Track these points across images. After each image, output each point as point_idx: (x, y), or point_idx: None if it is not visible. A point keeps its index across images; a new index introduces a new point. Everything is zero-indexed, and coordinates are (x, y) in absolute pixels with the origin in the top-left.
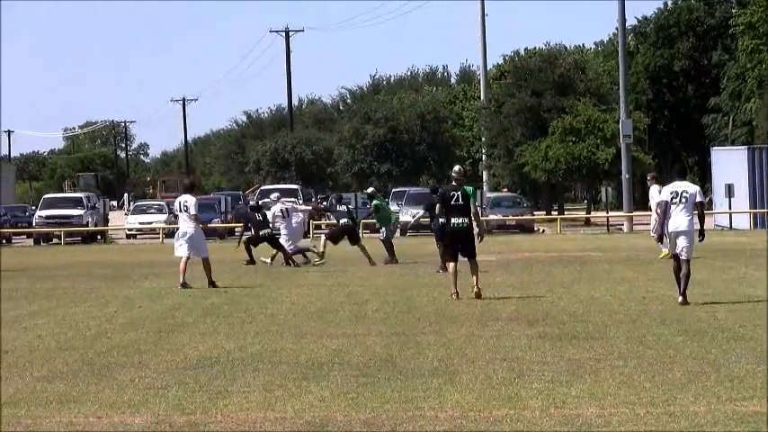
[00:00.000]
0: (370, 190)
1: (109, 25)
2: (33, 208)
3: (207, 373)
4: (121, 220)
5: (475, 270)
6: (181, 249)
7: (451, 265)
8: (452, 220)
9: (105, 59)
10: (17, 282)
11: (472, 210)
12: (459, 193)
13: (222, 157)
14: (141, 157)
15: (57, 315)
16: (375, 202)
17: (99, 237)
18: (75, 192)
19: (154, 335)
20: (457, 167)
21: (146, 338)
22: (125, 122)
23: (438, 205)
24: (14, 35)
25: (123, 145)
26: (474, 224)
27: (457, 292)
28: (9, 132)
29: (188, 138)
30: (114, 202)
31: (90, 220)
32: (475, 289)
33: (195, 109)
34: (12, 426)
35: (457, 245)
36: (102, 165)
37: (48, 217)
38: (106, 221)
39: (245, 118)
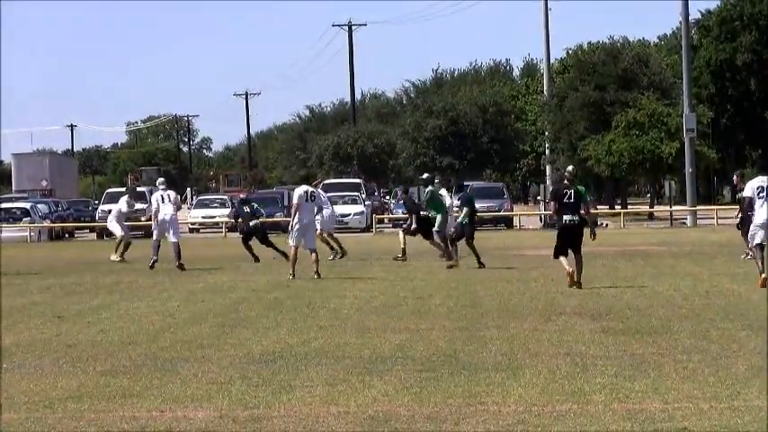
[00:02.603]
0: (425, 176)
1: (172, 19)
2: (96, 202)
3: (270, 368)
4: (184, 215)
5: (580, 264)
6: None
7: (562, 258)
8: (564, 217)
9: (168, 53)
10: (81, 276)
11: (584, 208)
12: (572, 191)
13: (285, 151)
14: (204, 151)
15: (120, 309)
16: (429, 188)
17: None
18: (138, 186)
19: (217, 329)
20: (570, 167)
21: (209, 333)
22: (188, 117)
23: (552, 203)
24: (78, 30)
25: (186, 139)
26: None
27: (573, 280)
28: (72, 127)
29: (251, 132)
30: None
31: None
32: (575, 279)
33: (258, 103)
34: (75, 420)
35: (568, 240)
36: (165, 159)
37: (110, 211)
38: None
39: (307, 112)
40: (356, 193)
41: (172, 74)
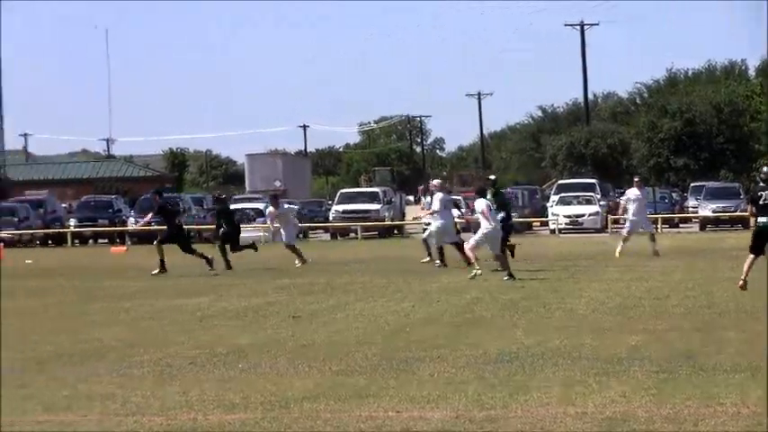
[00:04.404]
0: (492, 177)
1: (403, 21)
2: (330, 203)
3: (506, 368)
4: (414, 215)
5: None
6: None
7: (750, 257)
8: (760, 219)
9: (398, 54)
10: (316, 276)
11: None
12: (766, 193)
13: (518, 151)
14: (437, 151)
15: (355, 309)
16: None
17: (395, 231)
18: (371, 186)
19: (452, 329)
20: (765, 168)
21: (444, 333)
22: (420, 117)
23: (749, 206)
24: (315, 32)
25: (419, 139)
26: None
27: (745, 282)
28: (305, 127)
29: (483, 132)
30: (410, 197)
31: (386, 214)
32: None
33: (490, 103)
34: (311, 419)
35: (761, 241)
36: (398, 159)
37: (344, 211)
38: (403, 216)
39: (539, 112)
40: (590, 194)
41: (405, 75)
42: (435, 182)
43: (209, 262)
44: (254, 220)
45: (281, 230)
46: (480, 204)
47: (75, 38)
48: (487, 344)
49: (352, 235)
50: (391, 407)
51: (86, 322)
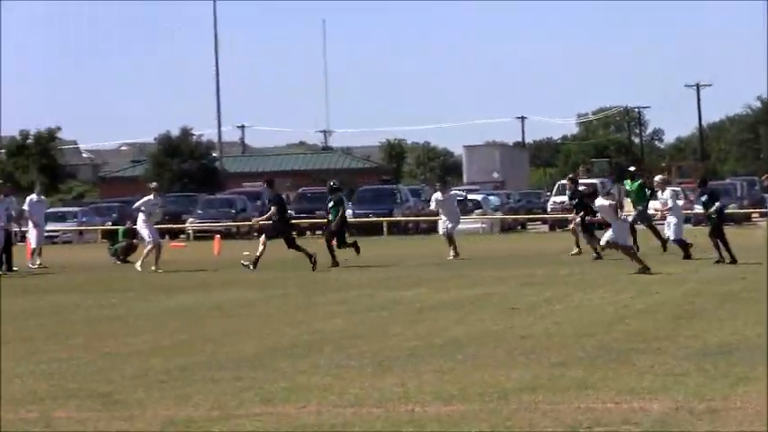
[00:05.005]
0: (631, 168)
1: (627, 11)
2: (548, 194)
3: (727, 360)
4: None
5: None
6: None
7: None
8: None
9: (616, 44)
10: (534, 268)
11: None
12: None
13: (737, 142)
14: (655, 142)
15: (573, 300)
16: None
17: None
18: (589, 178)
19: (671, 321)
20: None
21: (663, 324)
22: (639, 108)
23: None
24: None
25: (637, 131)
26: None
27: None
28: (522, 119)
29: (702, 123)
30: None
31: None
32: None
33: (710, 94)
34: (529, 411)
35: None
36: (616, 151)
37: (563, 203)
38: (621, 207)
39: (758, 104)
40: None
41: (623, 65)
42: (658, 178)
43: (312, 260)
44: (473, 211)
45: (445, 218)
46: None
47: (293, 30)
48: (708, 335)
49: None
50: (610, 398)
51: (307, 314)
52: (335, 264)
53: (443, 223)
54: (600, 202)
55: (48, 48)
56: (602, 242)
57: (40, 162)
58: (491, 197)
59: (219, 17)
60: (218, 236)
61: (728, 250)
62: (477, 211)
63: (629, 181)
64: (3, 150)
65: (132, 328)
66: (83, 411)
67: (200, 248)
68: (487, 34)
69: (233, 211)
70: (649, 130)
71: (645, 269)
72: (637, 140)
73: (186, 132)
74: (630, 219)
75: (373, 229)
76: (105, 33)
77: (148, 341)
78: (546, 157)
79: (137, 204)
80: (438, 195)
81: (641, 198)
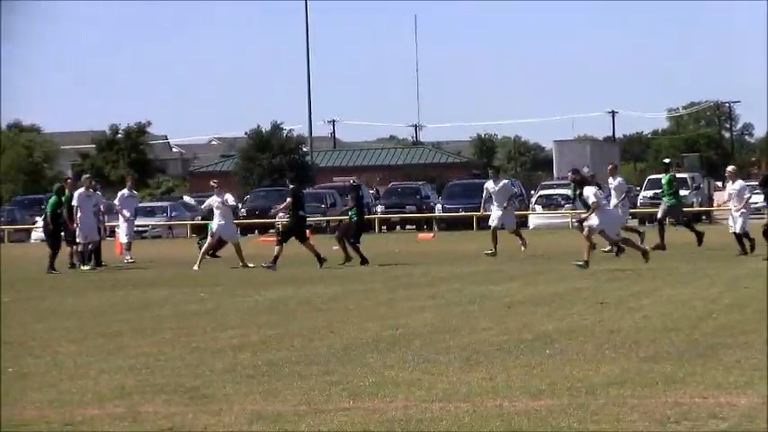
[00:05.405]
0: (667, 160)
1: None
2: (638, 189)
3: None
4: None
5: None
6: None
7: None
8: None
9: (707, 39)
10: (623, 262)
11: None
12: None
13: None
14: (745, 137)
15: (662, 295)
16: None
17: (704, 217)
18: (680, 172)
19: (759, 315)
20: None
21: (751, 319)
22: (729, 103)
23: None
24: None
25: (728, 125)
26: None
27: None
28: (613, 113)
29: None
30: (719, 182)
31: (695, 200)
32: None
33: None
34: (617, 406)
35: None
36: (707, 145)
37: (652, 197)
38: (711, 202)
39: None
40: None
41: (715, 59)
42: (731, 168)
43: (320, 260)
44: (562, 206)
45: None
46: None
47: (384, 24)
48: None
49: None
50: (698, 393)
51: (393, 309)
52: (364, 261)
53: (494, 214)
54: (587, 191)
55: (139, 42)
56: (585, 230)
57: (129, 157)
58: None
59: (311, 11)
60: (308, 231)
61: None
62: (567, 205)
63: (663, 174)
64: (93, 145)
65: (221, 322)
66: (170, 406)
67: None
68: (578, 28)
69: (323, 206)
70: (739, 125)
71: (642, 253)
72: (727, 135)
73: (277, 127)
74: (660, 214)
75: (463, 224)
76: (197, 28)
77: (237, 336)
78: (636, 152)
79: (205, 205)
80: (490, 184)
81: (669, 192)
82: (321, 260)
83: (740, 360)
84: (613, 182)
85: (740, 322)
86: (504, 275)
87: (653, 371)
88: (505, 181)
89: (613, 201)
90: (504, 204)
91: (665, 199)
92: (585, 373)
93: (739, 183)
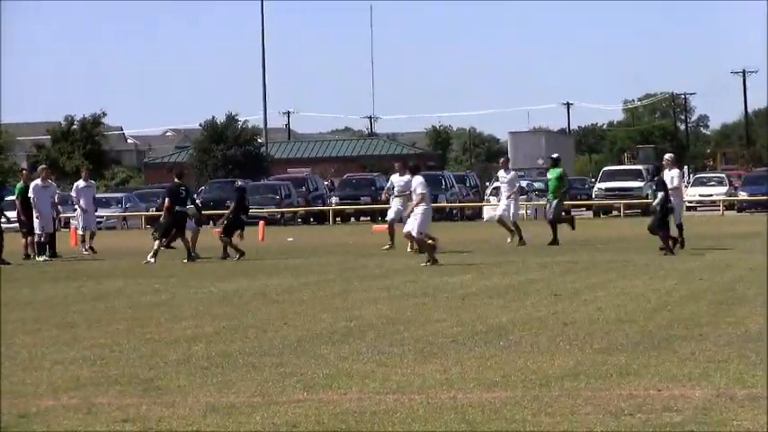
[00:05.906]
0: (555, 155)
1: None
2: (593, 180)
3: None
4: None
5: None
6: None
7: None
8: None
9: (663, 31)
10: (577, 254)
11: None
12: None
13: None
14: (701, 129)
15: (616, 287)
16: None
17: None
18: (634, 164)
19: (714, 307)
20: None
21: (706, 311)
22: (684, 95)
23: None
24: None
25: (683, 117)
26: None
27: None
28: (568, 105)
29: (748, 110)
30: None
31: (649, 191)
32: None
33: (755, 81)
34: (571, 398)
35: None
36: (662, 137)
37: (607, 189)
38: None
39: None
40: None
41: (669, 51)
42: (668, 156)
43: (191, 256)
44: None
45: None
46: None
47: (339, 15)
48: (749, 321)
49: (615, 213)
50: (652, 385)
51: (348, 300)
52: (240, 255)
53: (501, 204)
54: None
55: (93, 33)
56: (496, 217)
57: (84, 148)
58: (536, 183)
59: (266, 3)
60: (263, 222)
61: None
62: (522, 197)
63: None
64: (48, 136)
65: (175, 314)
66: (125, 397)
67: (244, 234)
68: (533, 19)
69: (277, 198)
70: (695, 117)
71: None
72: (682, 127)
73: (231, 118)
74: (551, 215)
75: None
76: (152, 18)
77: (191, 327)
78: (591, 144)
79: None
80: (501, 173)
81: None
82: (191, 256)
83: (694, 352)
84: (506, 175)
85: (694, 314)
86: (458, 267)
87: (607, 363)
88: (513, 171)
89: (504, 194)
90: (509, 194)
91: (550, 196)
92: (540, 365)
93: (676, 171)
